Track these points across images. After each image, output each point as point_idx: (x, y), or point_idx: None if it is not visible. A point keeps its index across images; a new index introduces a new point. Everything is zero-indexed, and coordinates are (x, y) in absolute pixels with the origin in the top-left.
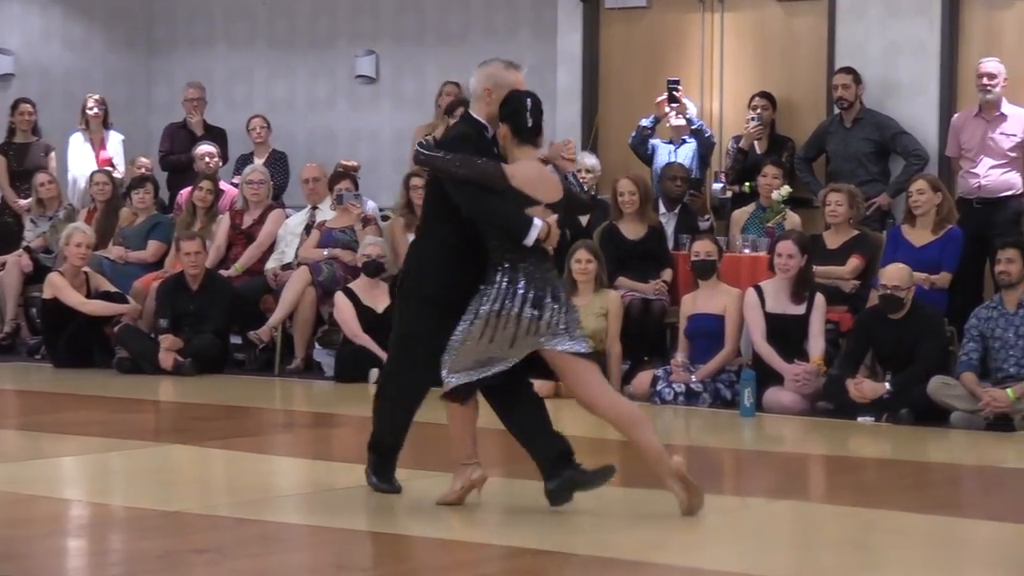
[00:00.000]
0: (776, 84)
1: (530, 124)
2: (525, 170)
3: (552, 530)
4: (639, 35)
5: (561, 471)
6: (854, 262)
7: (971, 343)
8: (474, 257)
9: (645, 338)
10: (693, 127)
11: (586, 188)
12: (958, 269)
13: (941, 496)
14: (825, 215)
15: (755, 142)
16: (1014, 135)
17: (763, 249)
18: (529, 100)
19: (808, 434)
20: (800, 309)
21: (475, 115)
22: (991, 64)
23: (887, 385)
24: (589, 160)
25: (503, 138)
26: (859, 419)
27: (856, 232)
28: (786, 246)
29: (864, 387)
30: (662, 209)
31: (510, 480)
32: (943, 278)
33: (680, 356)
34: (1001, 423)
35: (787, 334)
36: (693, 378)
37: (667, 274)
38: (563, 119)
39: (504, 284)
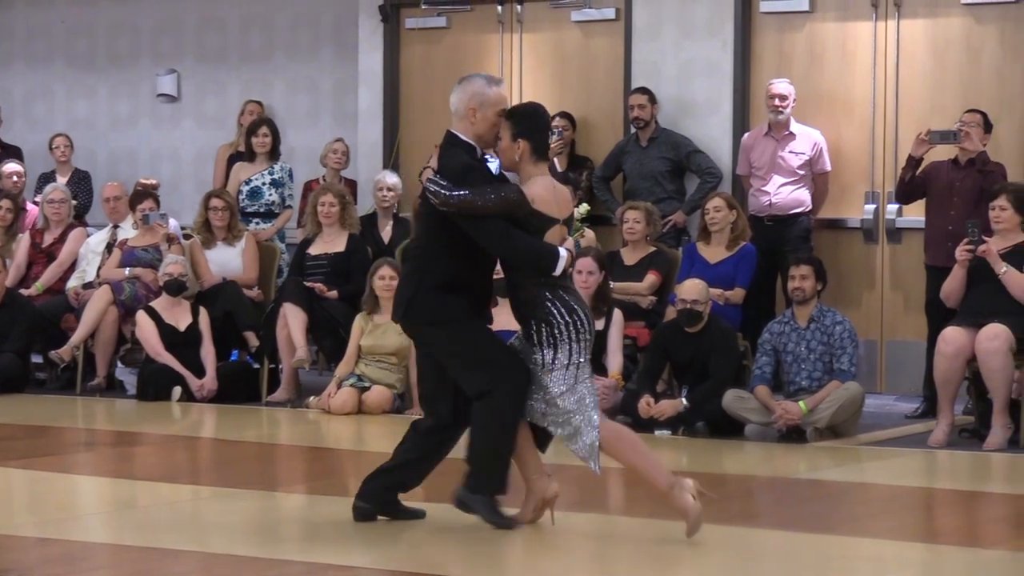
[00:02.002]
0: (574, 104)
1: (551, 142)
2: (541, 188)
3: (355, 547)
4: (439, 54)
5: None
6: (651, 278)
7: (764, 357)
8: (484, 276)
9: None
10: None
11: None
12: (751, 285)
13: (736, 507)
14: (623, 232)
15: (555, 160)
16: (803, 153)
17: None
18: (548, 118)
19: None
20: (599, 325)
21: (459, 134)
22: (782, 85)
23: (684, 401)
24: (391, 179)
25: (520, 155)
26: (656, 433)
27: (653, 249)
28: (585, 263)
29: (662, 406)
30: None
31: (312, 496)
32: (737, 294)
33: None
34: (794, 435)
35: None
36: None
37: None
38: (364, 138)
39: (564, 312)
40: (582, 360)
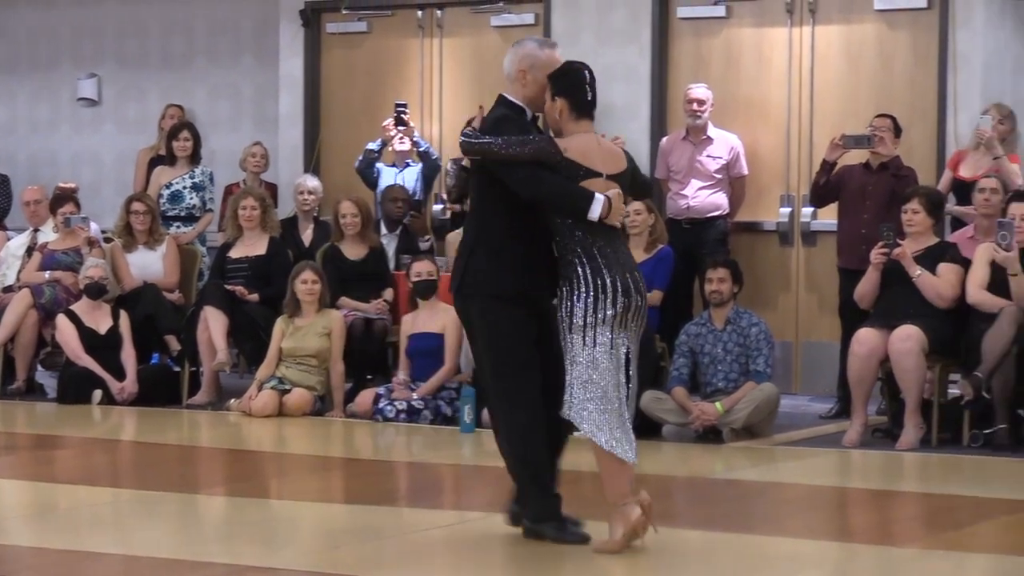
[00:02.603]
0: None
1: (589, 97)
2: (580, 142)
3: (276, 548)
4: (360, 59)
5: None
6: None
7: (681, 359)
8: (538, 242)
9: (367, 357)
10: (420, 149)
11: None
12: (669, 287)
13: (654, 507)
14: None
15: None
16: (720, 158)
17: None
18: (587, 73)
19: None
20: None
21: (511, 97)
22: (699, 90)
23: None
24: (312, 182)
25: (559, 113)
26: (575, 433)
27: None
28: None
29: None
30: (383, 230)
31: (233, 498)
32: (655, 296)
33: (401, 374)
34: (710, 436)
35: None
36: (414, 396)
37: (388, 294)
38: (285, 142)
39: (589, 274)
40: (598, 330)
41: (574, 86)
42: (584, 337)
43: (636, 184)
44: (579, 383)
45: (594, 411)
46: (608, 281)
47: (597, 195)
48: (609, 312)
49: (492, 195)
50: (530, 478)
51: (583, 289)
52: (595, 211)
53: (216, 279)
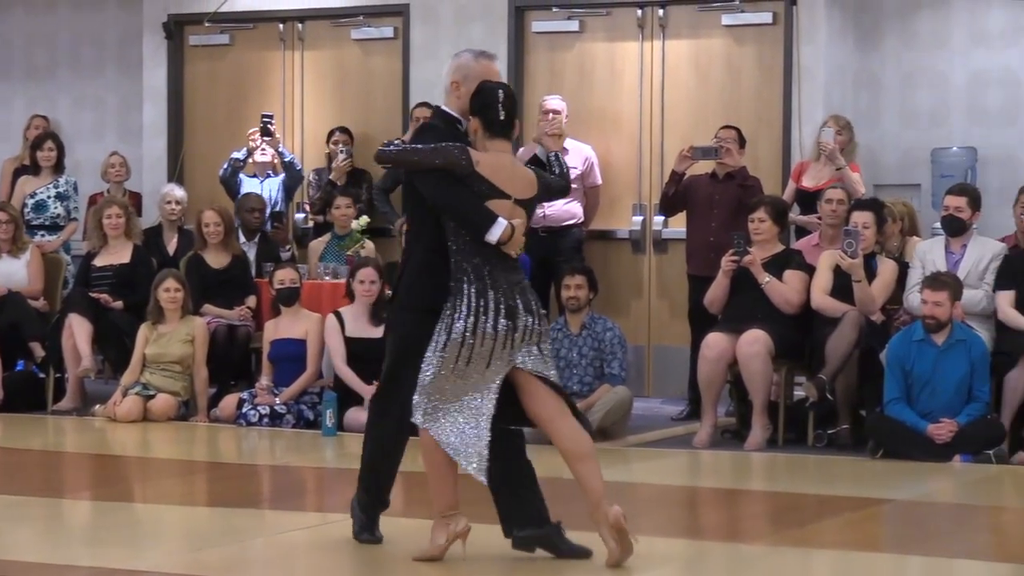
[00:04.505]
0: (354, 119)
1: (502, 117)
2: (493, 159)
3: (141, 551)
4: (223, 71)
5: (542, 525)
6: None
7: None
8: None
9: (231, 363)
10: (285, 160)
11: (565, 170)
12: None
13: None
14: (402, 243)
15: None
16: (575, 168)
17: (343, 276)
18: (501, 92)
19: None
20: (378, 332)
21: (446, 108)
22: (555, 101)
23: None
24: (178, 192)
25: (474, 131)
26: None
27: None
28: (367, 272)
29: None
30: (243, 239)
31: (98, 503)
32: None
33: (264, 379)
34: None
35: (366, 356)
36: (277, 400)
37: (251, 301)
38: (149, 152)
39: (473, 294)
40: (473, 350)
41: (486, 105)
42: (459, 352)
43: (553, 192)
44: (437, 391)
45: (445, 417)
46: (491, 302)
47: (500, 219)
48: (488, 332)
49: (421, 209)
50: (374, 482)
51: (465, 308)
52: (494, 234)
53: (81, 287)
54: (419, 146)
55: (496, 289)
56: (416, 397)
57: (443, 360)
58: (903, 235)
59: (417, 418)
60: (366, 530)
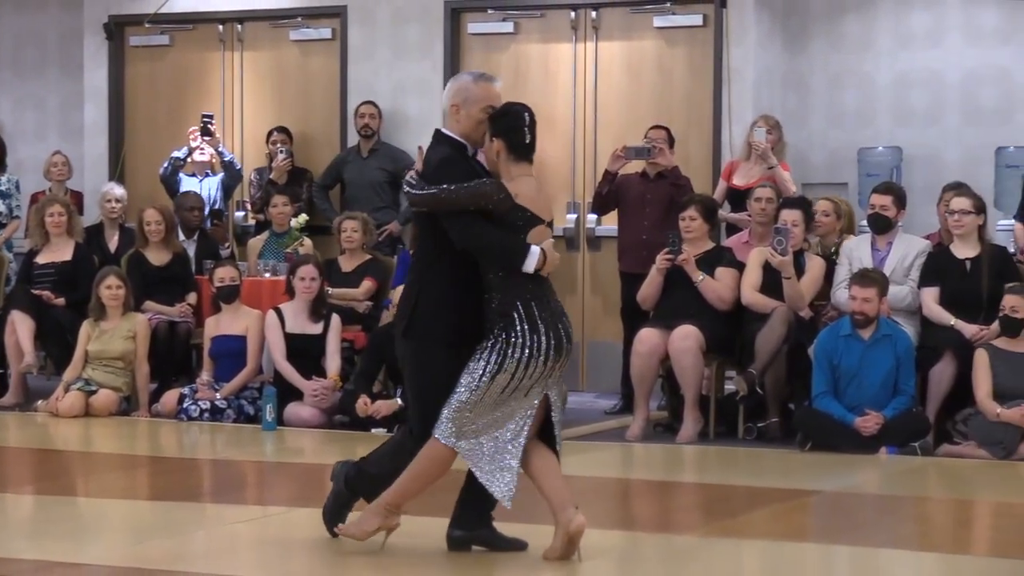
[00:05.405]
0: (293, 119)
1: (528, 140)
2: (526, 187)
3: (83, 544)
4: (163, 72)
5: (478, 527)
6: (367, 284)
7: None
8: (480, 289)
9: (172, 359)
10: (225, 160)
11: None
12: None
13: (440, 501)
14: (340, 241)
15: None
16: None
17: (283, 273)
18: (527, 115)
19: (326, 446)
20: (318, 329)
21: (448, 132)
22: None
23: (399, 400)
24: (118, 191)
25: (496, 154)
26: (373, 430)
27: (369, 256)
28: (307, 270)
29: (378, 406)
30: (182, 236)
31: (41, 497)
32: None
33: (205, 375)
34: None
35: (306, 352)
36: (218, 395)
37: (192, 297)
38: (91, 152)
39: (527, 331)
40: (521, 382)
41: (512, 128)
42: (508, 384)
43: None
44: (473, 412)
45: (476, 438)
46: (543, 340)
47: (533, 248)
48: (539, 369)
49: (436, 240)
50: (366, 492)
51: (519, 346)
52: (530, 264)
53: (23, 284)
54: (451, 187)
55: (544, 322)
56: (445, 411)
57: (488, 386)
58: (841, 232)
59: (443, 434)
60: (340, 521)
